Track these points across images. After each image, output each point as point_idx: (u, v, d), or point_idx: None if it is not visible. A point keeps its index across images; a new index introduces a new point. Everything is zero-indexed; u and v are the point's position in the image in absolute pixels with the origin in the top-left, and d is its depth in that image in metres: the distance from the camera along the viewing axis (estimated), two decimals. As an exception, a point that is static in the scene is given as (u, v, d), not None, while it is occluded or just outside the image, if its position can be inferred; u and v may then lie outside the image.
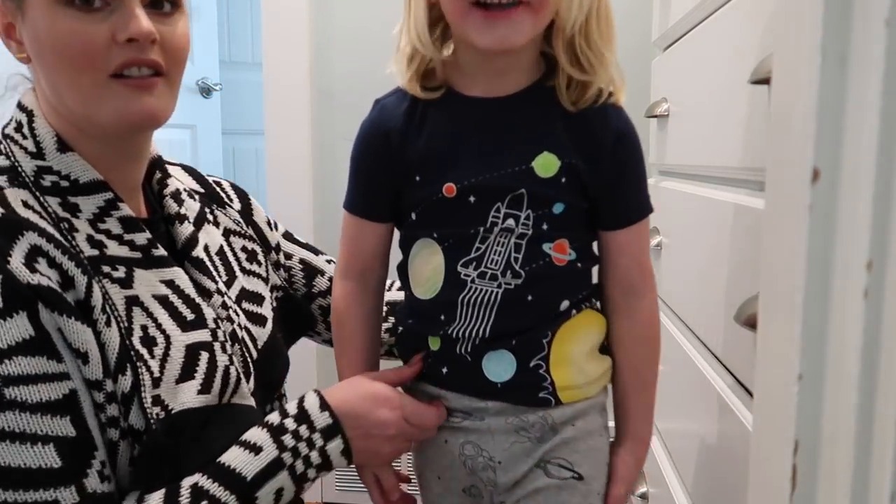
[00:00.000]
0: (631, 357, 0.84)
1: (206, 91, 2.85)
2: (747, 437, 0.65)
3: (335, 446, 0.79)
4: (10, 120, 0.82)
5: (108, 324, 0.73)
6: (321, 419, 0.79)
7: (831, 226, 0.49)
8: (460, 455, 0.83)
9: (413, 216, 0.81)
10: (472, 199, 0.77)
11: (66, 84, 0.76)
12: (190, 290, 0.83)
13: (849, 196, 0.48)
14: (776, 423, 0.54)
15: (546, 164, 0.76)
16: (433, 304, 0.81)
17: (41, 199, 0.76)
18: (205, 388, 0.79)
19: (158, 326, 0.78)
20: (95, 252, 0.76)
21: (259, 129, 2.04)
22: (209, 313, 0.83)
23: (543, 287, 0.79)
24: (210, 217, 0.96)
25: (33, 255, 0.70)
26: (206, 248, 0.91)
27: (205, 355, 0.80)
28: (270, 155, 1.97)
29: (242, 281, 0.95)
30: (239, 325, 0.89)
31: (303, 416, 0.80)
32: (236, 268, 0.96)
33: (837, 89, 0.48)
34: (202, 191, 1.00)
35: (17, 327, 0.67)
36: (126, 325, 0.75)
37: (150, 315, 0.78)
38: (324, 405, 0.80)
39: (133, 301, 0.77)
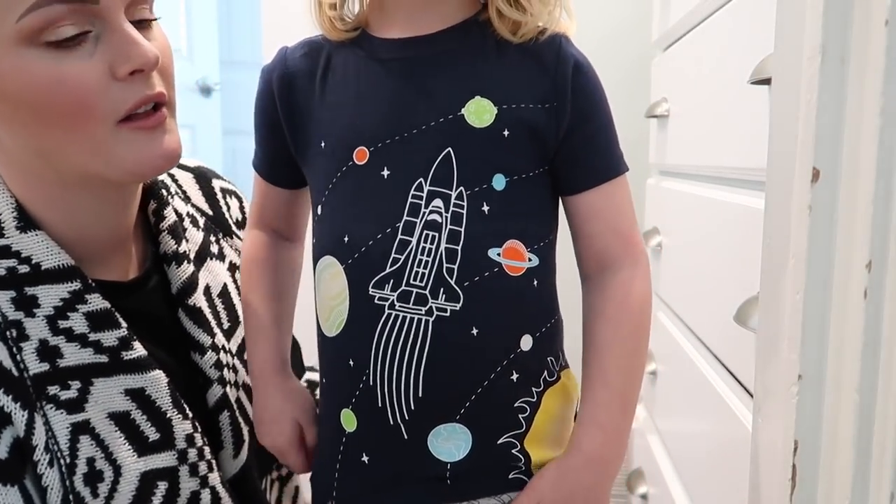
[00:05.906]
0: (595, 338, 0.64)
1: (205, 91, 2.84)
2: (747, 437, 0.65)
3: None
4: None
5: (50, 464, 0.63)
6: None
7: (831, 226, 0.49)
8: None
9: (319, 209, 0.65)
10: (385, 171, 0.60)
11: (56, 145, 0.63)
12: (164, 399, 0.69)
13: (849, 196, 0.48)
14: (776, 423, 0.54)
15: (479, 111, 0.60)
16: (338, 344, 0.62)
17: None
18: None
19: (108, 456, 0.66)
20: (45, 367, 0.64)
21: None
22: (182, 429, 0.70)
23: (494, 313, 0.59)
24: (214, 249, 0.84)
25: None
26: (206, 290, 0.80)
27: (162, 486, 0.68)
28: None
29: None
30: (236, 383, 0.78)
31: None
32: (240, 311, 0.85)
33: (837, 89, 0.48)
34: (210, 213, 0.86)
35: None
36: (68, 461, 0.64)
37: (99, 443, 0.66)
38: None
39: (80, 428, 0.65)
